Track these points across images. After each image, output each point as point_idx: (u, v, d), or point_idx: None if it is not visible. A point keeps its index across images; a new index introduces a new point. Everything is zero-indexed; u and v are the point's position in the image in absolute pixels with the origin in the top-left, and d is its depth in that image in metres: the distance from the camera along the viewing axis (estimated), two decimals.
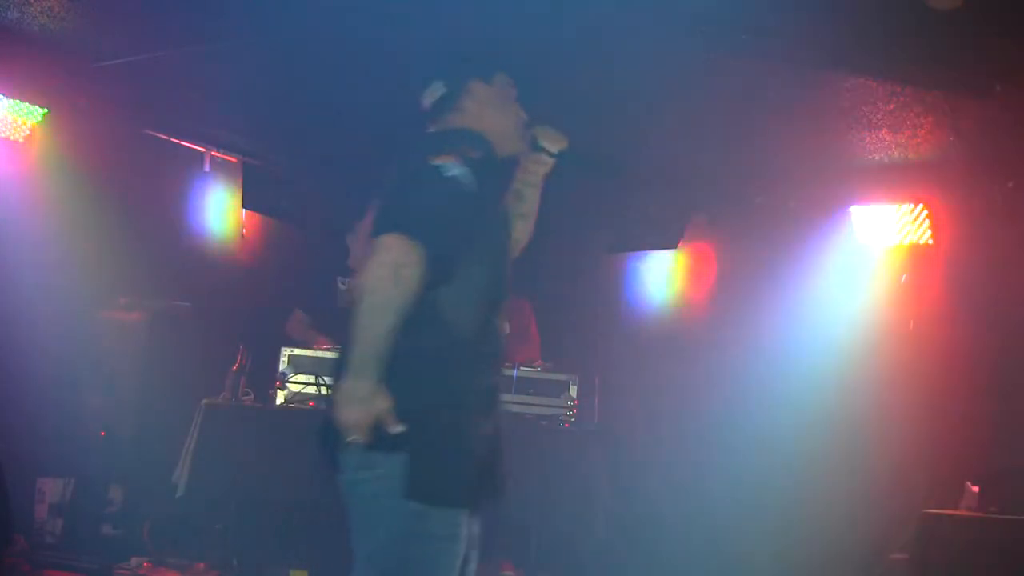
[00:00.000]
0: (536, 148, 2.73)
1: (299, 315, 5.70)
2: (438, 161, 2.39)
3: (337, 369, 2.46)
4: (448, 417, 2.39)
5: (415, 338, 2.32)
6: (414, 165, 2.45)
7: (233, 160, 6.74)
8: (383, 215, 2.36)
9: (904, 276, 6.22)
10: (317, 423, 2.50)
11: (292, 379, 5.09)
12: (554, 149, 2.73)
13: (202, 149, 6.58)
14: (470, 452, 2.42)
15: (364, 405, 2.26)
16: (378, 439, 2.28)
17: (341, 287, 5.89)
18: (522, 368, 5.28)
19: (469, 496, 2.44)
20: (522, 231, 2.81)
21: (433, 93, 2.67)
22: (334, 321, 5.60)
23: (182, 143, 6.49)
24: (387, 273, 2.26)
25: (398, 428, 2.28)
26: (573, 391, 5.27)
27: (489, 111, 2.64)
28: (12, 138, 5.72)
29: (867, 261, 6.36)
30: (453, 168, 2.38)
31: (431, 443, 2.34)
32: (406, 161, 2.52)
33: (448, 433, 2.38)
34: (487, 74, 2.68)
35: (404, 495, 2.31)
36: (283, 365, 5.10)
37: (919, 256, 6.16)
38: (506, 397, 5.15)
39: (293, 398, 5.06)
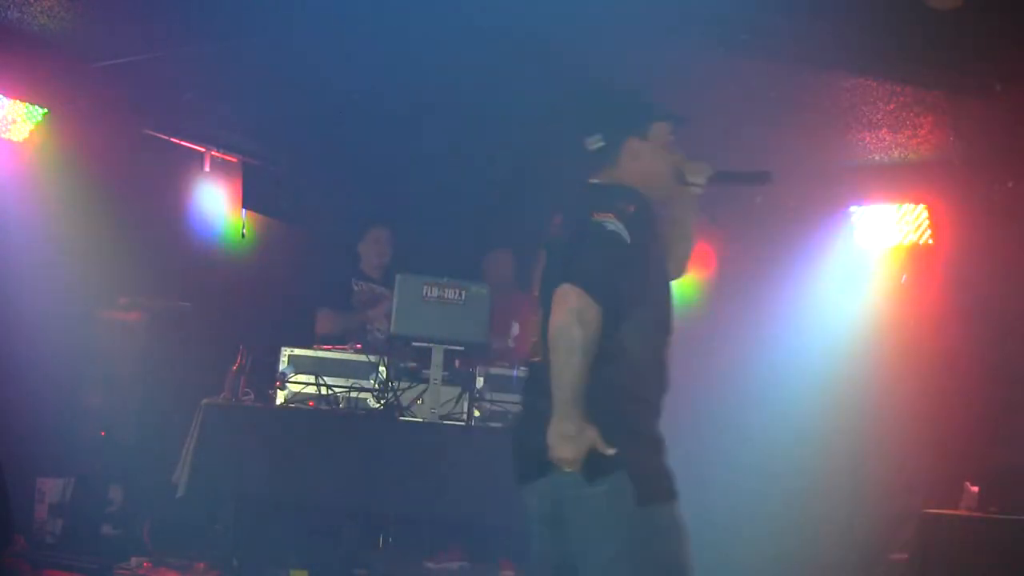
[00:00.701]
0: (685, 182, 2.95)
1: (325, 313, 5.75)
2: (599, 218, 2.68)
3: (530, 389, 2.85)
4: (644, 428, 2.73)
5: (606, 370, 2.62)
6: (580, 221, 2.75)
7: (233, 160, 6.75)
8: (562, 268, 2.68)
9: (904, 276, 6.22)
10: (518, 445, 2.83)
11: (292, 379, 5.09)
12: (702, 180, 2.96)
13: (202, 149, 6.58)
14: (663, 453, 2.78)
15: (576, 442, 2.55)
16: (595, 463, 2.57)
17: (355, 288, 5.92)
18: (522, 368, 5.28)
19: (674, 488, 2.78)
20: (684, 251, 3.06)
21: (593, 143, 2.91)
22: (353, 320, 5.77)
23: (182, 143, 6.49)
24: (571, 319, 2.56)
25: (611, 451, 2.58)
26: None
27: (644, 164, 2.88)
28: (12, 138, 5.72)
29: (867, 261, 6.36)
30: (611, 224, 2.67)
31: (639, 453, 2.67)
32: (573, 216, 2.83)
33: (647, 441, 2.73)
34: (644, 128, 2.90)
35: (633, 502, 2.63)
36: (283, 365, 5.10)
37: (919, 256, 6.17)
38: (506, 397, 5.17)
39: (293, 398, 5.06)
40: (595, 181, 2.92)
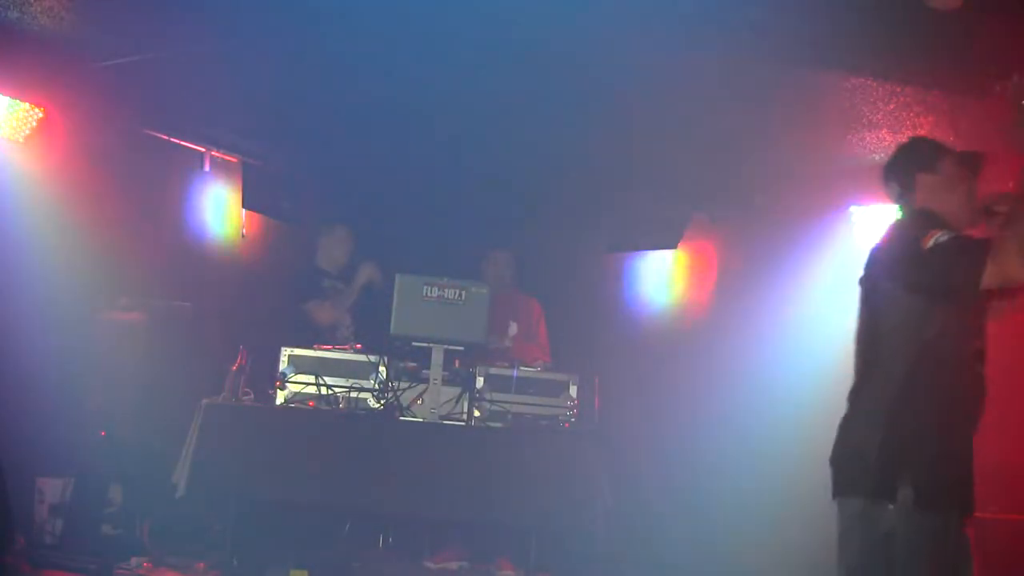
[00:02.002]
0: (989, 211, 3.08)
1: (320, 305, 5.84)
2: (929, 240, 2.88)
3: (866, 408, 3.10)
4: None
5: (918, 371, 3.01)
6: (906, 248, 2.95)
7: (233, 160, 6.74)
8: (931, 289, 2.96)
9: None
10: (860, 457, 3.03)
11: (292, 379, 5.09)
12: (1005, 208, 3.03)
13: (202, 149, 6.58)
14: None
15: None
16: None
17: (327, 286, 5.94)
18: (522, 368, 5.29)
19: None
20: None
21: (892, 194, 3.18)
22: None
23: (182, 143, 6.49)
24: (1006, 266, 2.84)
25: None
26: (573, 391, 5.27)
27: (937, 196, 3.06)
28: (12, 138, 5.72)
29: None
30: (940, 237, 2.88)
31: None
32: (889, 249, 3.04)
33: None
34: (932, 164, 3.08)
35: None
36: (283, 365, 5.11)
37: None
38: (506, 397, 5.17)
39: (293, 398, 5.07)
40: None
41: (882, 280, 3.03)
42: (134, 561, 5.38)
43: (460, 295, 5.07)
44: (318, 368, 5.09)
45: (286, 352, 5.12)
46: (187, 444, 4.89)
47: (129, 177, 6.07)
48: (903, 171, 3.14)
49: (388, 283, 5.34)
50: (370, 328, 5.48)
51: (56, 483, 5.64)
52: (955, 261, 2.86)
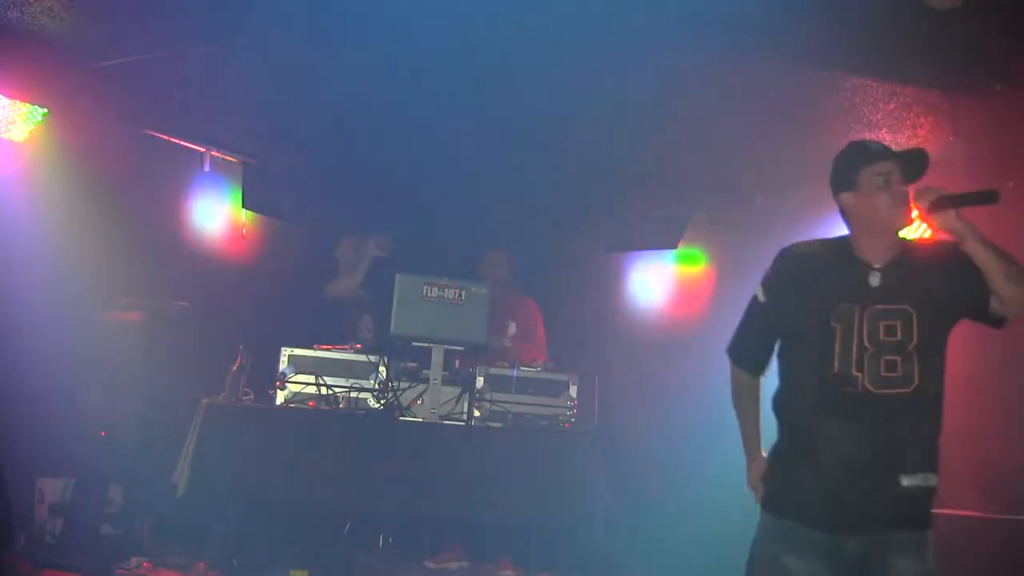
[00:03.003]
0: (937, 211, 2.98)
1: (334, 282, 5.96)
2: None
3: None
4: (799, 470, 3.13)
5: (780, 417, 3.16)
6: None
7: (233, 160, 6.74)
8: None
9: None
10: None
11: (292, 379, 5.09)
12: (924, 203, 2.97)
13: (202, 149, 6.58)
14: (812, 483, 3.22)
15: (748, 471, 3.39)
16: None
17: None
18: (522, 368, 5.29)
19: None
20: (995, 283, 3.01)
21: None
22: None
23: (182, 143, 6.49)
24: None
25: (759, 492, 3.48)
26: (573, 391, 5.27)
27: (860, 212, 3.00)
28: (12, 138, 5.72)
29: None
30: (757, 291, 3.22)
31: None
32: None
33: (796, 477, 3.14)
34: (850, 181, 2.99)
35: None
36: (283, 365, 5.11)
37: None
38: (506, 397, 5.17)
39: (293, 398, 5.07)
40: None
41: None
42: (134, 561, 5.39)
43: (460, 295, 5.08)
44: (318, 368, 5.09)
45: (286, 352, 5.12)
46: (187, 444, 4.89)
47: (129, 177, 6.07)
48: (833, 193, 3.07)
49: (398, 251, 5.55)
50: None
51: (56, 483, 5.65)
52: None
